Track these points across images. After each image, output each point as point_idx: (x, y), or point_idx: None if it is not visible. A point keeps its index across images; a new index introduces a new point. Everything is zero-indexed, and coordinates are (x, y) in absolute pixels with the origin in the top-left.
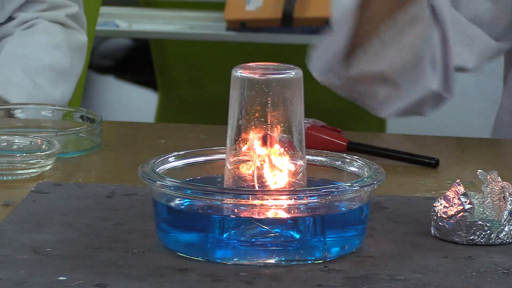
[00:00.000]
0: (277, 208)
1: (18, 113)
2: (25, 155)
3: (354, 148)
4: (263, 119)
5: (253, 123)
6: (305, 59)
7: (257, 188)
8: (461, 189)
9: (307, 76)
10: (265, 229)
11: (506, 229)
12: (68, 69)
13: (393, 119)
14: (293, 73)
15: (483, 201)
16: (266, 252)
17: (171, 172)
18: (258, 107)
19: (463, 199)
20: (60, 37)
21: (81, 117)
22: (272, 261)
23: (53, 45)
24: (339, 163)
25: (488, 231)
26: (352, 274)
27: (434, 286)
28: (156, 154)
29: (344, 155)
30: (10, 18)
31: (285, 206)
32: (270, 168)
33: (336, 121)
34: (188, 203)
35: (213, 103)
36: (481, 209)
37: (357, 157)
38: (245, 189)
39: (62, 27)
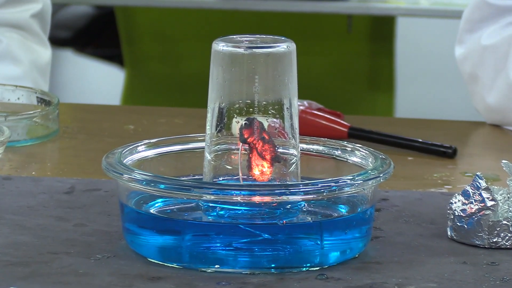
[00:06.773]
0: (266, 205)
1: None
2: None
3: (357, 135)
4: (249, 101)
5: (237, 105)
6: (298, 30)
7: (242, 183)
8: (482, 183)
9: (301, 50)
10: (251, 231)
11: None
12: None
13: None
14: (284, 47)
15: (508, 197)
16: (253, 258)
17: (141, 163)
18: (243, 87)
19: (484, 195)
20: (25, 64)
21: (35, 98)
22: (259, 268)
23: (16, 77)
24: (339, 152)
25: None
26: (355, 284)
27: None
28: (123, 142)
29: (345, 143)
30: None
31: (275, 203)
32: (257, 158)
33: (336, 102)
34: (161, 200)
35: (190, 81)
36: (506, 207)
37: (360, 145)
38: (228, 183)
39: (26, 43)
